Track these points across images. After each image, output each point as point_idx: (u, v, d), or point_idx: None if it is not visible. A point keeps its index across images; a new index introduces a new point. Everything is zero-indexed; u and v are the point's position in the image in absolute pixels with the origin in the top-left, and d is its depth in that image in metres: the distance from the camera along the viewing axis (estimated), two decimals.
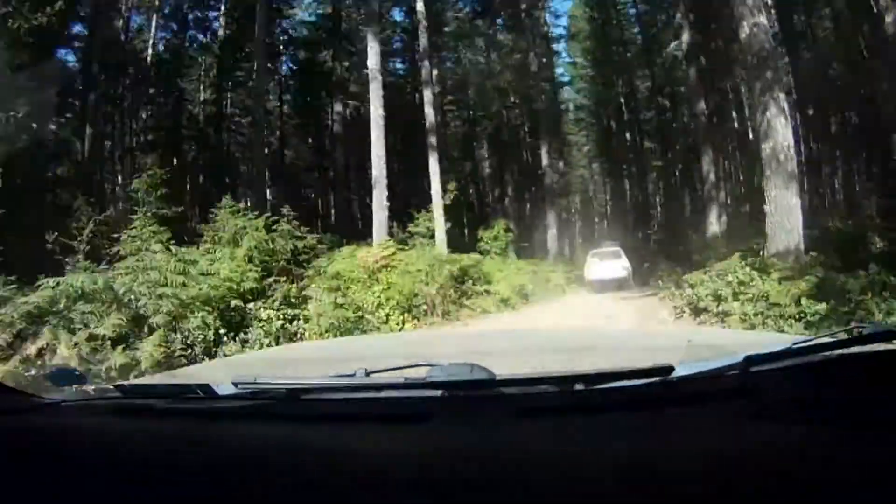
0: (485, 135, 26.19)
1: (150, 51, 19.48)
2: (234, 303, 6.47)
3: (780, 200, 8.21)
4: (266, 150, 19.61)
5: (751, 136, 15.03)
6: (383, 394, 0.83)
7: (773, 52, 9.40)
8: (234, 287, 6.62)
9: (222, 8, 21.19)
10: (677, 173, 24.26)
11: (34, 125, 11.98)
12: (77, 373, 1.04)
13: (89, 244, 6.57)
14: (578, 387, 0.82)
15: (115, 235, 6.85)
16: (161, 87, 20.44)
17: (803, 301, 5.84)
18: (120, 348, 5.17)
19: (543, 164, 20.77)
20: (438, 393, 0.79)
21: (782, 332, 5.16)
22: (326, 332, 6.66)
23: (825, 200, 17.95)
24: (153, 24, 19.98)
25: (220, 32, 21.17)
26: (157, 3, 19.85)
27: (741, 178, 20.15)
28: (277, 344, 6.11)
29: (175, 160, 18.08)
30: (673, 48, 19.55)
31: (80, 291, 5.49)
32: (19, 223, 9.63)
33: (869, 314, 5.28)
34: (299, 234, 8.35)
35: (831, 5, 16.59)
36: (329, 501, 0.54)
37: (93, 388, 0.98)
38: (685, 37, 17.12)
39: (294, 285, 7.32)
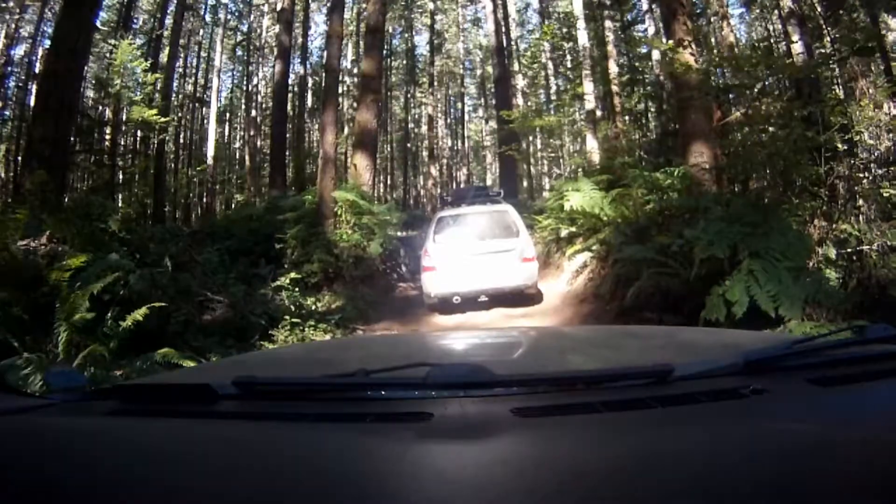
0: None
1: None
2: None
3: None
4: None
5: None
6: (383, 394, 0.83)
7: None
8: None
9: None
10: None
11: None
12: (76, 373, 1.04)
13: None
14: (578, 387, 0.82)
15: None
16: None
17: None
18: None
19: None
20: (438, 393, 0.79)
21: None
22: None
23: None
24: None
25: None
26: None
27: None
28: None
29: None
30: None
31: None
32: None
33: None
34: None
35: None
36: (329, 501, 0.54)
37: (92, 388, 0.98)
38: None
39: None
